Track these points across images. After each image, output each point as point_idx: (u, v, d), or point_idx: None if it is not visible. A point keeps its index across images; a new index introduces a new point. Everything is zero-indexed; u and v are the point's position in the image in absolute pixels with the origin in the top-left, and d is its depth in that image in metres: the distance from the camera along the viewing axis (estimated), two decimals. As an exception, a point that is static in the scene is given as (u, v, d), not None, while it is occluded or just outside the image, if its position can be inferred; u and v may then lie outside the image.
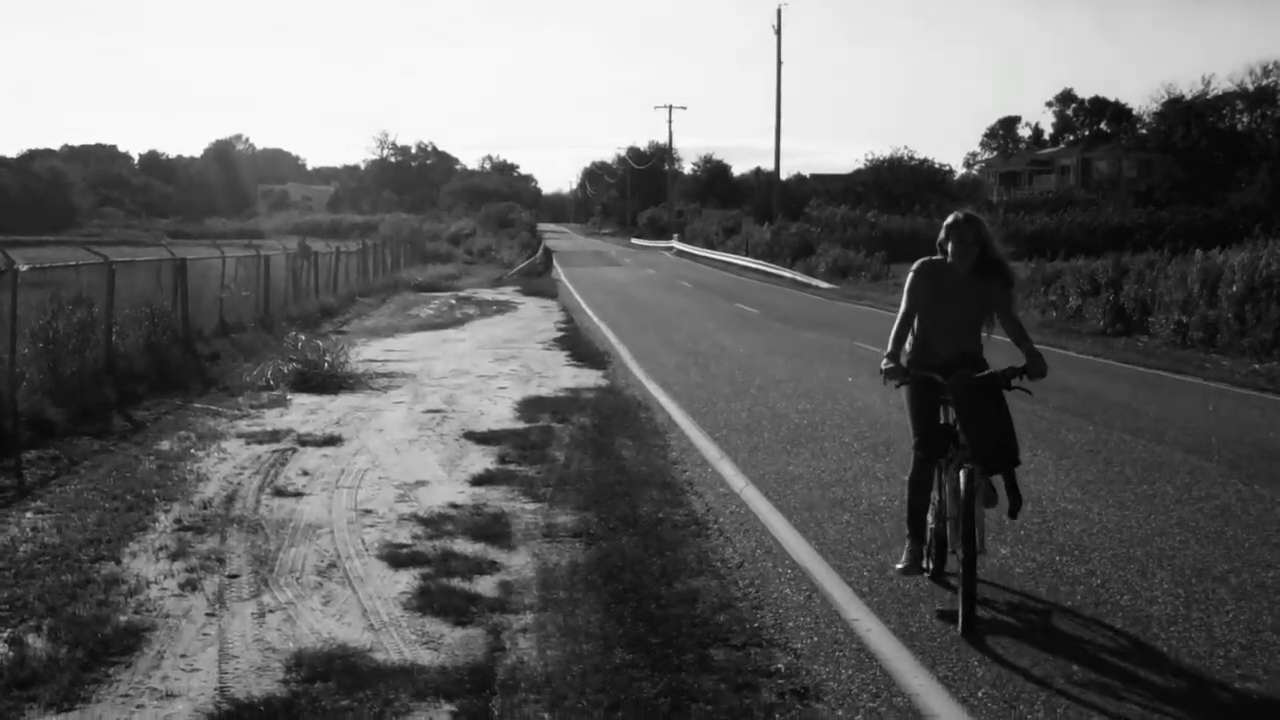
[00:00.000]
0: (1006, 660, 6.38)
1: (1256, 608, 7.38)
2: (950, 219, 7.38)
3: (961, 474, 6.86)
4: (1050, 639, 6.81)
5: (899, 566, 7.64)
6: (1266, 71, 79.14)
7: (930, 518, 7.53)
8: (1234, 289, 23.49)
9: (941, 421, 7.30)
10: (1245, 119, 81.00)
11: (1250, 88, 79.49)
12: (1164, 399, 16.45)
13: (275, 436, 12.63)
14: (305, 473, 10.88)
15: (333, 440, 12.50)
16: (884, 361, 7.21)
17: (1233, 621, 7.13)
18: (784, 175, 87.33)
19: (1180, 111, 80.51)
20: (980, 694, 6.02)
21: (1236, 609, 7.36)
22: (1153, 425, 13.88)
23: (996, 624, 6.99)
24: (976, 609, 6.81)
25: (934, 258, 7.44)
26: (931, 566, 7.64)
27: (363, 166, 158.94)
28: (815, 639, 6.76)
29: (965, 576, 6.71)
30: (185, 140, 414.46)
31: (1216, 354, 22.71)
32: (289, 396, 15.65)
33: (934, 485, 7.45)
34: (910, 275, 7.44)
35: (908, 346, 7.44)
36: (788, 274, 51.21)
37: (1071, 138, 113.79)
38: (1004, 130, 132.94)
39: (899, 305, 7.45)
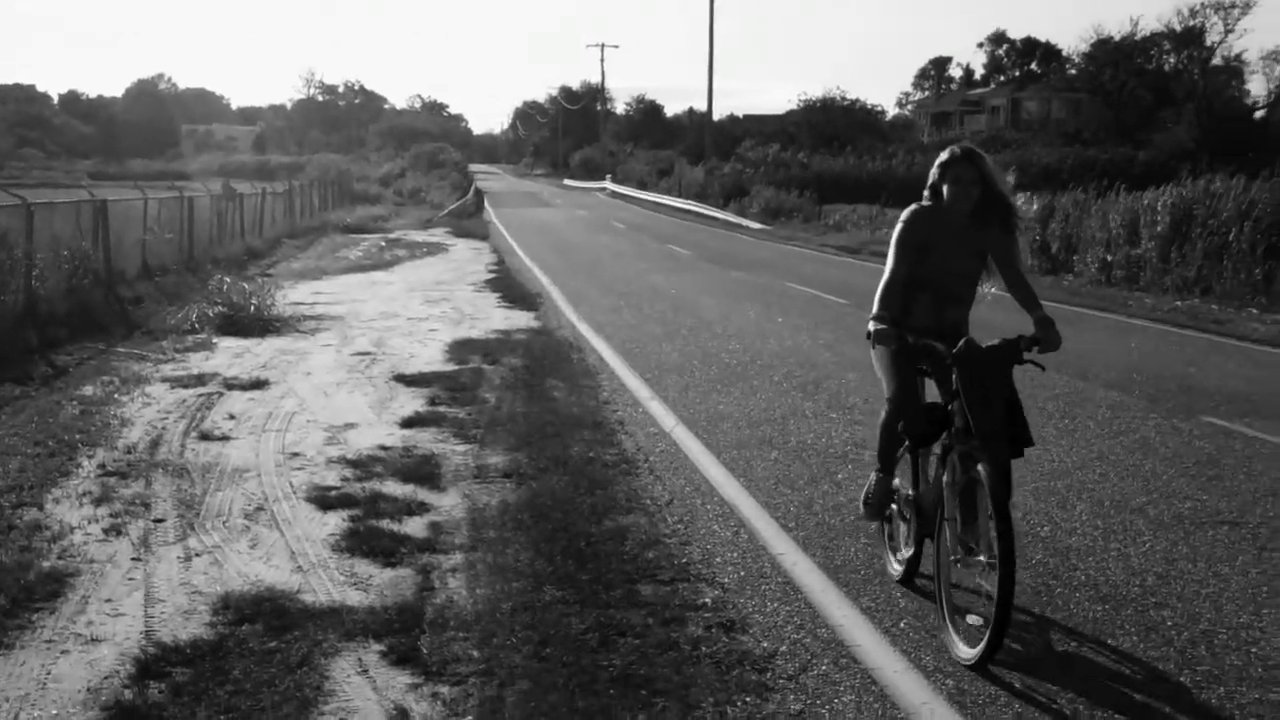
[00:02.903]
0: (928, 592, 6.47)
1: (1173, 538, 7.55)
2: (945, 155, 6.28)
3: (983, 470, 5.60)
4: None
5: (862, 510, 6.76)
6: (1193, 13, 79.79)
7: (901, 508, 6.61)
8: (1159, 229, 23.82)
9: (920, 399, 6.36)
10: (1172, 60, 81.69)
11: (1177, 29, 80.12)
12: (1087, 336, 16.65)
13: (201, 380, 12.51)
14: (231, 416, 10.80)
15: (259, 383, 12.40)
16: (871, 324, 6.06)
17: (1149, 551, 7.29)
18: (717, 116, 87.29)
19: (1109, 52, 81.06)
20: (902, 624, 6.12)
21: (1153, 539, 7.52)
22: (1075, 362, 14.06)
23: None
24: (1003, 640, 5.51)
25: (924, 204, 6.34)
26: (901, 567, 6.67)
27: (289, 106, 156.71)
28: (742, 573, 6.83)
29: (1000, 603, 5.36)
30: (106, 80, 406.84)
31: (1140, 291, 23.07)
32: (214, 340, 15.49)
33: (899, 470, 6.62)
34: (900, 225, 6.32)
35: (875, 310, 6.18)
36: (720, 215, 51.25)
37: (1002, 78, 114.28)
38: (936, 71, 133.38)
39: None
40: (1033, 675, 5.49)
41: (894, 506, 6.67)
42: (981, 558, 5.67)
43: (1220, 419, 11.13)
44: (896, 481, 6.65)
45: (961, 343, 5.79)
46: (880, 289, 6.21)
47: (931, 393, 6.33)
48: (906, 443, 6.42)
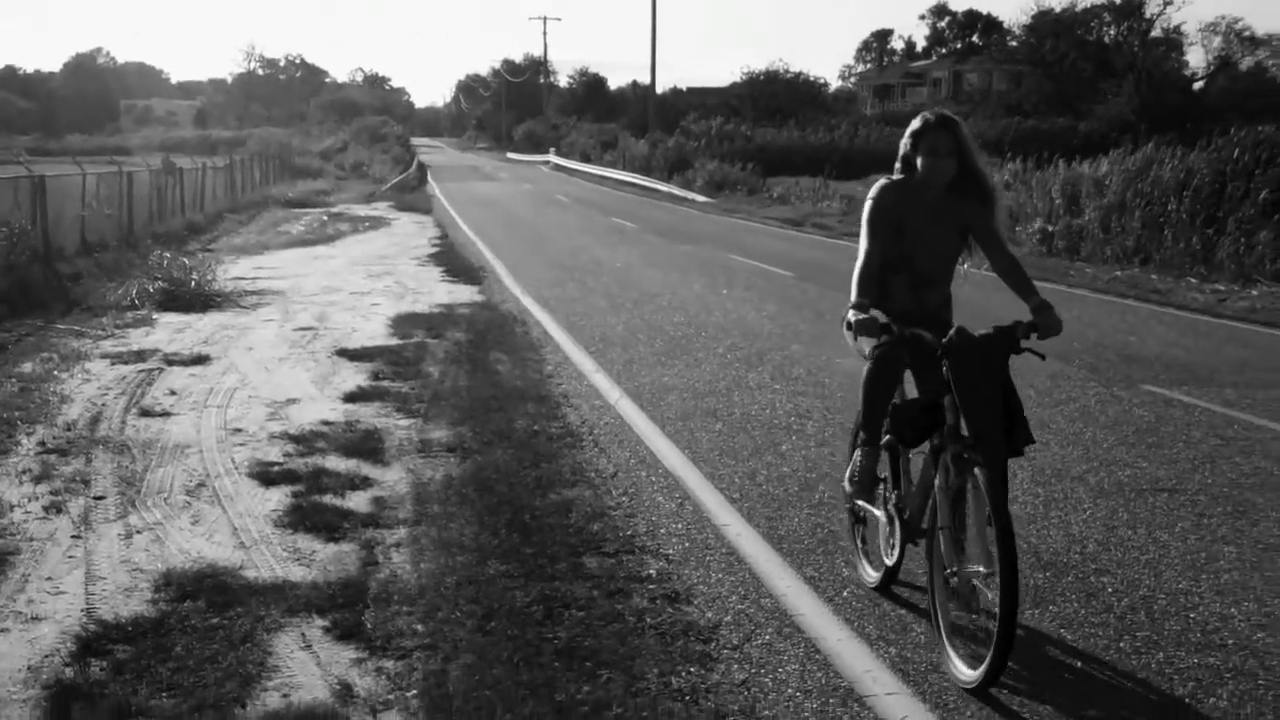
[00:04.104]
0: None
1: (1112, 505, 7.64)
2: (918, 123, 5.71)
3: (979, 472, 5.08)
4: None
5: (850, 489, 6.15)
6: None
7: (880, 511, 6.01)
8: (1106, 199, 24.04)
9: (897, 397, 5.85)
10: (1112, 32, 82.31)
11: (1117, 1, 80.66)
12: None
13: (141, 356, 12.38)
14: (173, 392, 10.70)
15: (201, 359, 12.29)
16: (851, 313, 5.48)
17: (1089, 519, 7.37)
18: (660, 89, 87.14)
19: (1049, 24, 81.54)
20: (845, 593, 6.16)
21: (1094, 507, 7.61)
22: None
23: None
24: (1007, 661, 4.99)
25: (895, 178, 5.82)
26: (878, 574, 6.17)
27: (229, 80, 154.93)
28: (687, 544, 6.85)
29: (1003, 620, 4.87)
30: (44, 55, 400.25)
31: (1081, 261, 23.29)
32: (155, 316, 15.34)
33: (880, 464, 6.01)
34: (869, 203, 5.80)
35: (854, 295, 5.60)
36: (664, 188, 51.20)
37: (944, 51, 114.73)
38: (878, 43, 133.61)
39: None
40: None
41: (869, 507, 6.13)
42: (980, 569, 5.16)
43: (1160, 387, 11.28)
44: (881, 486, 6.08)
45: (952, 331, 5.28)
46: (856, 273, 5.67)
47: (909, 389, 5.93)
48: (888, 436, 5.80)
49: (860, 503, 6.16)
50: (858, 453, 6.00)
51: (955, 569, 5.25)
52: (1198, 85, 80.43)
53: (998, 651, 4.88)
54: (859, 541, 6.43)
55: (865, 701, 4.98)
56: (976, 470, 5.08)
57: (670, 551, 6.72)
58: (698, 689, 5.02)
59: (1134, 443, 9.25)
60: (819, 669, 5.27)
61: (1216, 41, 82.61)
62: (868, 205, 5.80)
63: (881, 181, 5.85)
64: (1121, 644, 5.57)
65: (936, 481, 5.36)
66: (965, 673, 5.10)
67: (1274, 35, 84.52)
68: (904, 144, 5.74)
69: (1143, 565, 6.61)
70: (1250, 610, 5.98)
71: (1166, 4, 79.72)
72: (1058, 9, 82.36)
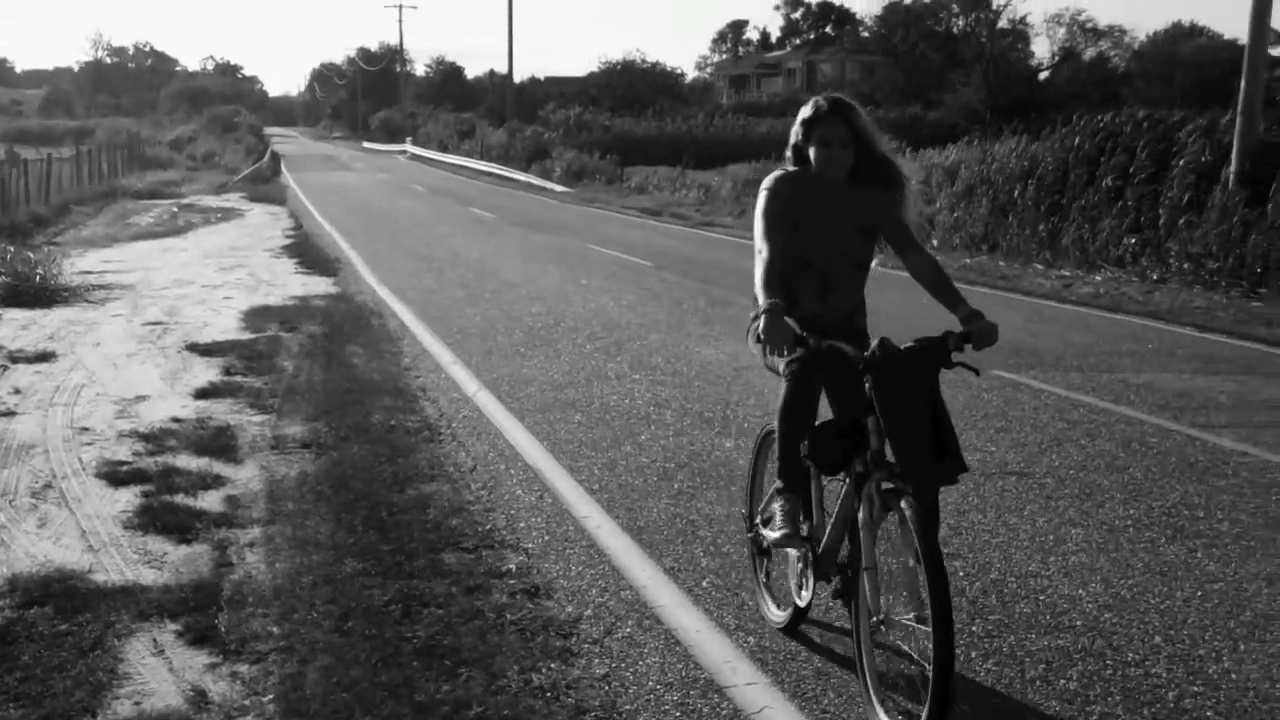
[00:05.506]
0: (728, 552, 6.57)
1: (963, 489, 7.79)
2: (809, 110, 5.14)
3: (905, 505, 4.45)
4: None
5: (774, 535, 5.23)
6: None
7: (795, 550, 5.30)
8: (955, 186, 24.54)
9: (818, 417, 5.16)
10: (961, 23, 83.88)
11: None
12: (878, 294, 17.05)
13: (-17, 354, 12.00)
14: (17, 391, 10.38)
15: (46, 356, 11.94)
16: (760, 321, 4.73)
17: (940, 504, 7.43)
18: (518, 78, 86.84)
19: (900, 15, 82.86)
20: (705, 583, 6.20)
21: (945, 492, 7.64)
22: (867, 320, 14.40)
23: (717, 518, 7.19)
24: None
25: (789, 169, 5.26)
26: (785, 613, 5.58)
27: (76, 69, 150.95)
28: (547, 538, 6.84)
29: (937, 672, 4.27)
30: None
31: (931, 250, 23.70)
32: (-2, 312, 14.87)
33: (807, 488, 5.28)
34: (762, 199, 5.18)
35: (762, 300, 4.84)
36: (523, 178, 51.07)
37: (798, 41, 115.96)
38: (733, 33, 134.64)
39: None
40: (830, 631, 5.62)
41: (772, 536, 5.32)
42: (910, 614, 4.57)
43: (1008, 372, 11.54)
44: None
45: (875, 344, 4.70)
46: (759, 276, 4.96)
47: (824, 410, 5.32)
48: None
49: (765, 532, 5.41)
50: (777, 501, 5.24)
51: (884, 615, 4.66)
52: (1043, 75, 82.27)
53: (934, 708, 4.29)
54: (762, 576, 5.84)
55: (725, 692, 5.02)
56: (903, 502, 4.48)
57: (530, 545, 6.71)
58: (558, 685, 5.02)
59: (983, 427, 9.47)
60: (679, 661, 5.30)
61: (1061, 33, 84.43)
62: (761, 199, 5.20)
63: (776, 173, 5.27)
64: (974, 628, 5.70)
65: (859, 515, 4.71)
66: None
67: (1115, 27, 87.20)
68: (794, 132, 5.21)
69: (993, 548, 6.76)
70: (1097, 591, 6.16)
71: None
72: (909, 0, 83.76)
